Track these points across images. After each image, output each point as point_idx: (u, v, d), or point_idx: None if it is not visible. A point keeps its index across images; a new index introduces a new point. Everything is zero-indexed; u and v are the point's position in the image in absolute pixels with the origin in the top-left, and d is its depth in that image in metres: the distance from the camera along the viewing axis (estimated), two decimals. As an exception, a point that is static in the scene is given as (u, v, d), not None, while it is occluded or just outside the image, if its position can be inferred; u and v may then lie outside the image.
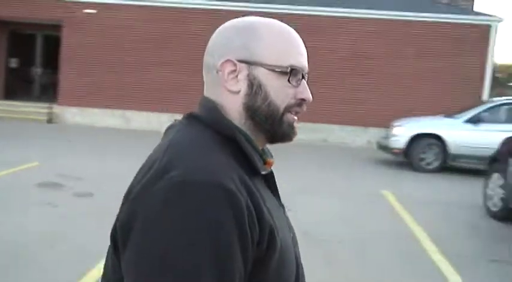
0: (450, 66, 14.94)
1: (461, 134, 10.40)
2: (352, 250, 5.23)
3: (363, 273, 4.57)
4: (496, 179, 6.94)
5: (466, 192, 8.62)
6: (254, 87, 0.96)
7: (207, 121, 0.95)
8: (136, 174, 0.92)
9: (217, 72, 0.98)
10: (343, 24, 15.15)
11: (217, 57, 0.98)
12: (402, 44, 15.11)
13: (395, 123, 11.43)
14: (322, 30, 14.92)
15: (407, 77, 15.09)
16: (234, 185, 0.83)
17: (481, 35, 15.06)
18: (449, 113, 11.74)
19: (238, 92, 0.97)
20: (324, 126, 15.08)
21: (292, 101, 0.98)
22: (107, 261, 0.98)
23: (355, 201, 7.54)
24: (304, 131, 14.29)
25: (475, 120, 10.43)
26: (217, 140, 0.93)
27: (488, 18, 15.30)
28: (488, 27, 15.11)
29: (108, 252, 0.97)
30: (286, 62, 0.97)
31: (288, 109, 0.98)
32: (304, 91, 0.99)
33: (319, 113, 14.00)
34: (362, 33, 15.09)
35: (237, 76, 0.97)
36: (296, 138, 1.05)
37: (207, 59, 1.01)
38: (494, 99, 11.95)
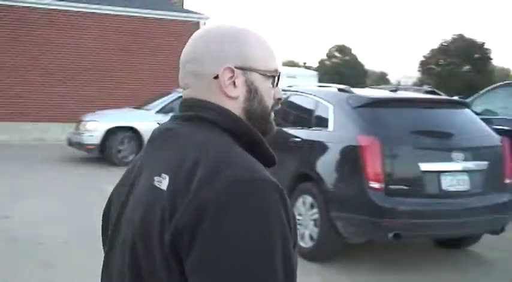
0: (158, 61, 15.61)
1: (155, 125, 10.76)
2: (78, 250, 5.17)
3: (84, 274, 4.47)
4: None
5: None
6: (252, 92, 1.05)
7: (223, 125, 1.03)
8: (173, 179, 0.96)
9: (214, 78, 1.04)
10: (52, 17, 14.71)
11: (210, 64, 1.05)
12: (115, 38, 15.32)
13: (85, 118, 11.04)
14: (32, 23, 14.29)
15: (117, 71, 15.37)
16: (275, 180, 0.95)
17: (191, 31, 15.97)
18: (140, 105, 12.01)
19: (237, 98, 1.05)
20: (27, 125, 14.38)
21: (273, 101, 1.10)
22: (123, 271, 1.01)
23: (74, 200, 7.40)
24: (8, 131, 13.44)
25: (167, 111, 10.56)
26: (234, 140, 1.02)
27: (197, 15, 16.35)
28: (197, 24, 16.11)
29: (130, 265, 0.99)
30: (272, 66, 1.09)
31: (271, 108, 1.10)
32: (279, 91, 1.12)
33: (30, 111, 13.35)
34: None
35: (234, 82, 1.04)
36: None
37: (194, 67, 1.07)
38: (178, 89, 12.45)
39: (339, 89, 5.46)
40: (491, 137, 5.20)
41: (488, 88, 8.62)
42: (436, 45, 53.81)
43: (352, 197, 4.72)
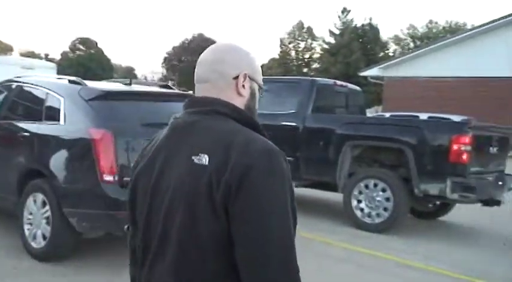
0: None
1: None
2: None
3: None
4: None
5: None
6: (252, 95, 1.48)
7: (240, 117, 1.40)
8: (215, 154, 1.30)
9: (234, 78, 1.44)
10: None
11: (232, 68, 1.44)
12: None
13: None
14: None
15: None
16: None
17: None
18: None
19: (244, 96, 1.46)
20: None
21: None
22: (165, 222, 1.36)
23: None
24: None
25: None
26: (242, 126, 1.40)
27: None
28: None
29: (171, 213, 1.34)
30: (261, 82, 1.53)
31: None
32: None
33: None
34: None
35: (243, 85, 1.45)
36: None
37: (221, 67, 1.44)
38: None
39: (70, 81, 5.28)
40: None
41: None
42: (178, 43, 56.11)
43: (86, 191, 4.63)
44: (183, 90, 8.86)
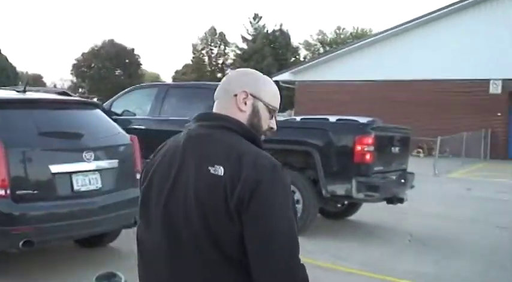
0: None
1: None
2: None
3: None
4: None
5: None
6: (255, 112, 1.66)
7: (243, 132, 1.61)
8: (229, 166, 1.50)
9: (234, 95, 1.65)
10: None
11: (234, 86, 1.67)
12: None
13: None
14: None
15: None
16: None
17: None
18: None
19: (245, 112, 1.65)
20: None
21: (267, 127, 1.69)
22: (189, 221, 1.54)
23: None
24: None
25: None
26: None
27: None
28: None
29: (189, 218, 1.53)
30: (274, 104, 1.70)
31: (264, 131, 1.69)
32: (273, 123, 1.71)
33: None
34: None
35: (245, 102, 1.65)
36: None
37: (226, 86, 1.69)
38: None
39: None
40: (121, 136, 5.45)
41: (126, 90, 9.08)
42: (87, 49, 54.30)
43: (-24, 207, 4.29)
44: (92, 98, 8.52)
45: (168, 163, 1.63)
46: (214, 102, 1.72)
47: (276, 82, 30.08)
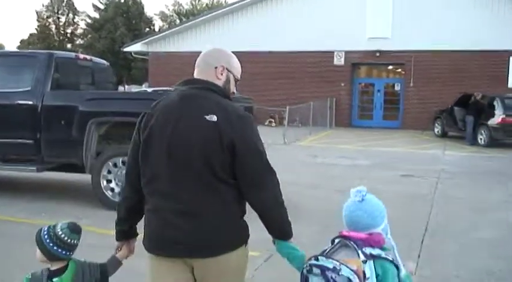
0: None
1: None
2: None
3: None
4: None
5: None
6: (227, 80, 2.30)
7: (221, 93, 2.26)
8: (221, 116, 2.14)
9: (215, 68, 2.28)
10: None
11: (215, 61, 2.30)
12: None
13: None
14: None
15: None
16: None
17: None
18: None
19: (221, 80, 2.28)
20: None
21: (232, 91, 2.36)
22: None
23: None
24: None
25: None
26: None
27: None
28: None
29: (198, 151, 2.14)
30: (238, 76, 2.38)
31: (230, 93, 2.35)
32: (234, 89, 2.38)
33: None
34: None
35: (222, 73, 2.29)
36: None
37: (208, 59, 2.31)
38: None
39: None
40: None
41: None
42: None
43: None
44: None
45: (167, 114, 2.20)
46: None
47: (129, 53, 28.93)
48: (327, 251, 2.01)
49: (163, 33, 27.27)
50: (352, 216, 2.06)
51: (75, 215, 6.47)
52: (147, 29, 48.04)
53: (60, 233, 2.26)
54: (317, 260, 1.94)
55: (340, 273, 1.84)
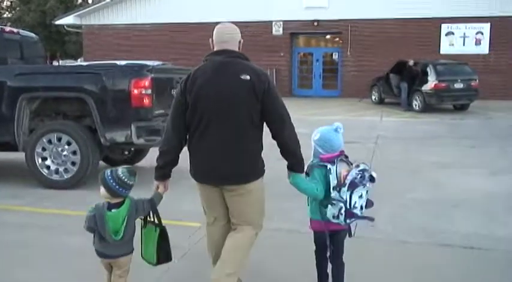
0: None
1: None
2: None
3: None
4: None
5: None
6: (240, 48, 3.14)
7: (246, 59, 3.08)
8: (252, 75, 2.96)
9: (239, 42, 3.13)
10: None
11: (237, 36, 3.14)
12: None
13: None
14: None
15: None
16: None
17: None
18: None
19: (240, 49, 3.12)
20: None
21: None
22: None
23: None
24: None
25: None
26: None
27: None
28: None
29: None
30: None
31: None
32: None
33: None
34: None
35: (241, 45, 3.15)
36: None
37: (235, 36, 3.13)
38: None
39: None
40: None
41: None
42: None
43: None
44: None
45: (208, 78, 2.97)
46: (225, 43, 3.08)
47: (62, 27, 27.79)
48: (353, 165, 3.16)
49: (97, 5, 26.29)
50: (333, 140, 3.26)
51: (13, 194, 6.26)
52: (80, 1, 46.16)
53: (121, 175, 2.92)
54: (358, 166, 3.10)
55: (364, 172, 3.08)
